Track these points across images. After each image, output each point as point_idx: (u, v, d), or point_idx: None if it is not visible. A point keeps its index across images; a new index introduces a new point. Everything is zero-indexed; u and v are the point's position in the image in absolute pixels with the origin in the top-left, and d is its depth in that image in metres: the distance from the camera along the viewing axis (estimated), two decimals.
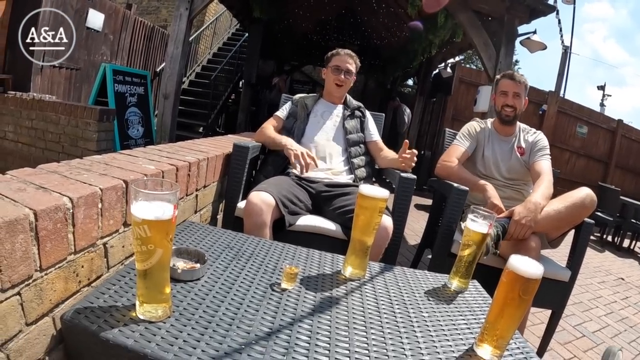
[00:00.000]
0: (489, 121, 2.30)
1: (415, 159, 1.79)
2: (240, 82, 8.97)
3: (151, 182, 0.78)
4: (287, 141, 1.92)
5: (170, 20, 9.51)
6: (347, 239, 1.70)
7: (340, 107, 2.22)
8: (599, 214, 6.08)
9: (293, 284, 1.09)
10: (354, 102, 2.28)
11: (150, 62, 7.07)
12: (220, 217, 1.92)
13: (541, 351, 2.10)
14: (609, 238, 6.23)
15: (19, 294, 0.74)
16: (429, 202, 5.48)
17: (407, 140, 1.81)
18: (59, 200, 0.81)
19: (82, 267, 0.92)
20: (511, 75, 2.18)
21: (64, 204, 0.81)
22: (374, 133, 2.22)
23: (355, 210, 1.21)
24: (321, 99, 2.24)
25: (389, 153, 2.12)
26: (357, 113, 2.23)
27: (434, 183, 2.31)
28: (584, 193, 1.85)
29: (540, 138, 2.20)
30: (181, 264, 1.07)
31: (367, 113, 2.28)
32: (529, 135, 2.22)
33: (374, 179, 2.23)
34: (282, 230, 1.68)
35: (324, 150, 2.04)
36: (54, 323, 0.85)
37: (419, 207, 5.54)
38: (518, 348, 0.99)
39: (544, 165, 2.06)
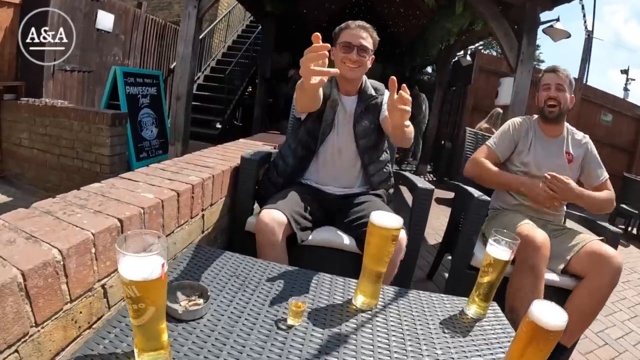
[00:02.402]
0: (534, 117, 2.13)
1: (408, 98, 1.28)
2: (257, 75, 8.90)
3: (138, 233, 0.74)
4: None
5: (183, 16, 9.48)
6: (361, 253, 1.63)
7: (353, 101, 1.82)
8: (623, 206, 5.84)
9: (300, 320, 1.04)
10: (370, 89, 1.85)
11: (163, 59, 7.07)
12: (229, 232, 1.88)
13: None
14: (634, 231, 6.00)
15: (16, 351, 0.72)
16: (449, 195, 5.32)
17: (393, 77, 1.28)
18: (48, 255, 0.77)
19: (81, 312, 0.89)
20: (554, 68, 2.03)
21: (53, 257, 0.78)
22: (385, 108, 1.78)
23: (366, 238, 1.14)
24: (334, 91, 1.80)
25: None
26: (372, 102, 1.83)
27: (454, 187, 2.23)
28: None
29: (592, 148, 2.08)
30: (183, 300, 1.03)
31: (385, 93, 1.84)
32: (577, 138, 2.08)
33: (391, 182, 1.96)
34: (295, 245, 1.61)
35: (334, 164, 1.84)
36: None
37: (439, 200, 5.33)
38: None
39: (609, 186, 2.05)
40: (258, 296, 1.14)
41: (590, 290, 1.71)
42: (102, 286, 0.95)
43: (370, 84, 1.87)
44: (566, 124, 2.10)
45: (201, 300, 1.04)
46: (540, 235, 1.69)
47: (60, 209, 0.99)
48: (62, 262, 0.80)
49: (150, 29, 6.53)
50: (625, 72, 17.88)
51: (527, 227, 1.75)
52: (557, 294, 1.73)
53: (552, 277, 1.78)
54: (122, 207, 1.04)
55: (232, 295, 1.13)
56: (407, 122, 1.38)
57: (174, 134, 4.18)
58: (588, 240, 1.83)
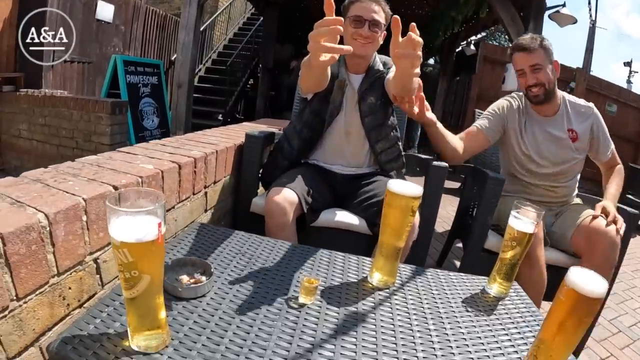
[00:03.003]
0: (522, 97, 1.87)
1: (418, 40, 1.11)
2: (259, 67, 8.82)
3: (133, 192, 0.64)
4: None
5: (184, 3, 9.39)
6: (372, 234, 1.55)
7: (359, 80, 1.71)
8: (629, 196, 5.77)
9: (312, 297, 0.95)
10: (379, 64, 1.72)
11: (164, 51, 6.99)
12: (234, 213, 1.79)
13: (577, 350, 1.92)
14: None
15: None
16: (455, 184, 5.24)
17: (396, 17, 1.16)
18: (32, 219, 0.69)
19: (70, 288, 0.80)
20: (521, 46, 1.73)
21: (37, 222, 0.69)
22: (390, 74, 1.63)
23: (383, 210, 1.05)
24: (342, 69, 1.69)
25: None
26: (380, 77, 1.70)
27: (464, 170, 2.14)
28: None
29: (599, 116, 1.83)
30: (185, 278, 0.95)
31: (393, 66, 1.57)
32: (580, 110, 1.83)
33: (402, 161, 1.83)
34: (304, 227, 1.53)
35: (342, 146, 1.74)
36: (42, 353, 0.75)
37: (446, 190, 5.28)
38: None
39: (617, 158, 1.93)
40: (266, 274, 1.05)
41: None
42: (95, 260, 0.86)
43: (379, 59, 1.74)
44: (563, 95, 1.84)
45: (204, 278, 0.95)
46: None
47: (52, 177, 0.91)
48: (48, 228, 0.72)
49: (151, 20, 6.44)
50: (628, 64, 17.73)
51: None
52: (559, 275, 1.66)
53: (554, 256, 1.73)
54: (118, 176, 0.96)
55: (237, 273, 1.04)
56: (417, 70, 1.17)
57: (175, 123, 4.11)
58: (587, 215, 1.70)
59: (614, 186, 1.85)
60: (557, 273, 1.64)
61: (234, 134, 1.85)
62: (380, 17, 1.61)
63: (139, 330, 0.70)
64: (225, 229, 1.29)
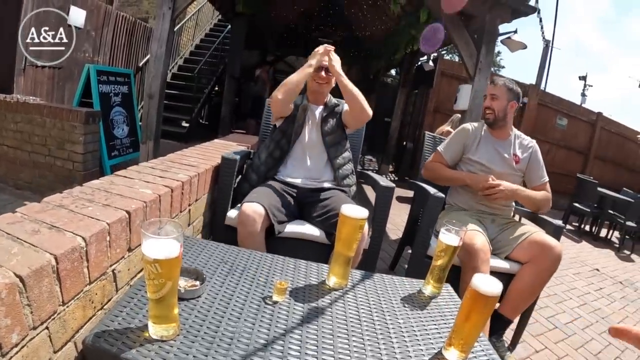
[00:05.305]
0: (483, 123, 2.36)
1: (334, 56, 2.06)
2: (224, 74, 8.95)
3: (155, 222, 0.89)
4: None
5: (152, 12, 9.41)
6: (330, 243, 1.84)
7: (320, 108, 2.21)
8: (576, 204, 6.31)
9: (283, 296, 1.22)
10: (333, 100, 2.28)
11: (132, 56, 7.00)
12: (210, 226, 2.03)
13: (514, 343, 2.25)
14: (587, 228, 6.49)
15: (47, 328, 0.84)
16: (411, 193, 5.60)
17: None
18: (74, 242, 0.91)
19: (96, 294, 1.03)
20: (491, 79, 2.35)
21: (79, 244, 0.91)
22: (345, 107, 2.22)
23: (337, 227, 1.34)
24: (305, 101, 2.19)
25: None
26: (336, 109, 2.23)
27: (414, 186, 2.45)
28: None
29: (537, 150, 2.33)
30: (182, 283, 1.19)
31: (345, 105, 2.21)
32: (524, 143, 2.33)
33: (354, 179, 2.22)
34: (272, 236, 1.81)
35: (305, 156, 2.12)
36: (75, 347, 0.96)
37: (400, 199, 5.60)
38: (482, 350, 1.14)
39: (548, 188, 2.29)
40: (245, 278, 1.31)
41: (531, 272, 1.97)
42: (113, 271, 1.09)
43: (332, 99, 2.28)
44: (514, 130, 2.35)
45: (198, 282, 1.20)
46: (478, 242, 1.90)
47: (71, 202, 1.12)
48: (85, 248, 0.94)
49: (121, 26, 6.45)
50: (583, 78, 19.01)
51: (469, 233, 1.93)
52: (502, 279, 1.98)
53: (496, 263, 2.03)
54: (126, 201, 1.18)
55: (222, 278, 1.29)
56: (342, 74, 2.04)
57: (145, 133, 4.21)
58: (532, 232, 2.09)
59: (531, 191, 2.26)
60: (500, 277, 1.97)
61: (209, 155, 2.08)
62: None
63: (159, 322, 0.94)
64: (207, 242, 1.53)
